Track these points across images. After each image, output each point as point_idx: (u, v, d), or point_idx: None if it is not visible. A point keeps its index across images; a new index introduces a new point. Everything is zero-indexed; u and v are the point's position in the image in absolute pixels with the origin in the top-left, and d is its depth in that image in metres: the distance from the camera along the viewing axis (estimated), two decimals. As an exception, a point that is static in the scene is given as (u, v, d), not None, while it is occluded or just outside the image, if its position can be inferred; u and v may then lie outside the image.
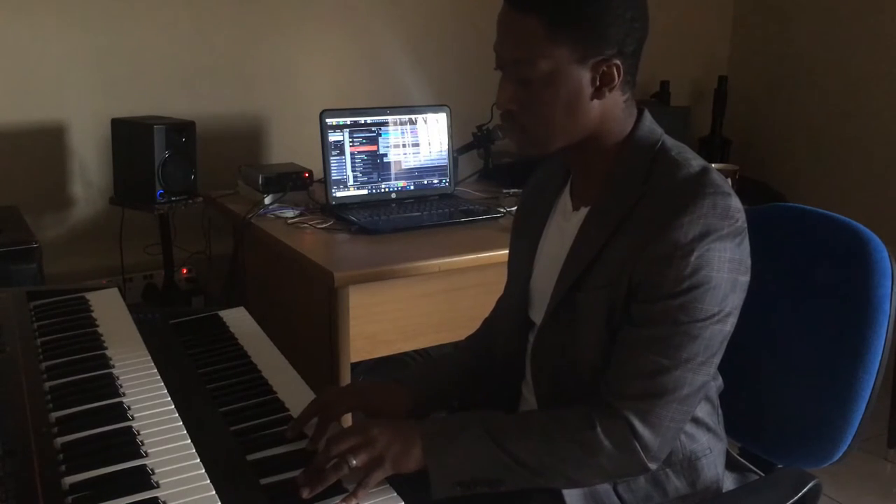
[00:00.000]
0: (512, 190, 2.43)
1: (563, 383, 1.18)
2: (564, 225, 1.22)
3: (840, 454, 1.24)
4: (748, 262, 1.10)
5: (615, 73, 1.08)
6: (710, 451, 1.21)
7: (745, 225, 1.09)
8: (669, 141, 1.16)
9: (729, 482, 1.26)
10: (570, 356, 1.16)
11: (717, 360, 1.09)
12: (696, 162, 1.12)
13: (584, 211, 1.18)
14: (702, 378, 1.07)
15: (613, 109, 1.12)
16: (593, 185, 1.17)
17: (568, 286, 1.14)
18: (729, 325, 1.08)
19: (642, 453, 1.05)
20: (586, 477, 1.09)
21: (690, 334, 1.05)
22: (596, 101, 1.10)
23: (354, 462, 1.02)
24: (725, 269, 1.05)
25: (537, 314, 1.23)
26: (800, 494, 1.18)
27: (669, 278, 1.04)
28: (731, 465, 1.28)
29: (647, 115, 1.17)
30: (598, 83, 1.09)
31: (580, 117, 1.11)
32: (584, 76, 1.08)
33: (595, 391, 1.11)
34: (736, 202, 1.08)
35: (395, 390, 1.27)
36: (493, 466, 1.06)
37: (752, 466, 1.32)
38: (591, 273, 1.12)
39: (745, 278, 1.09)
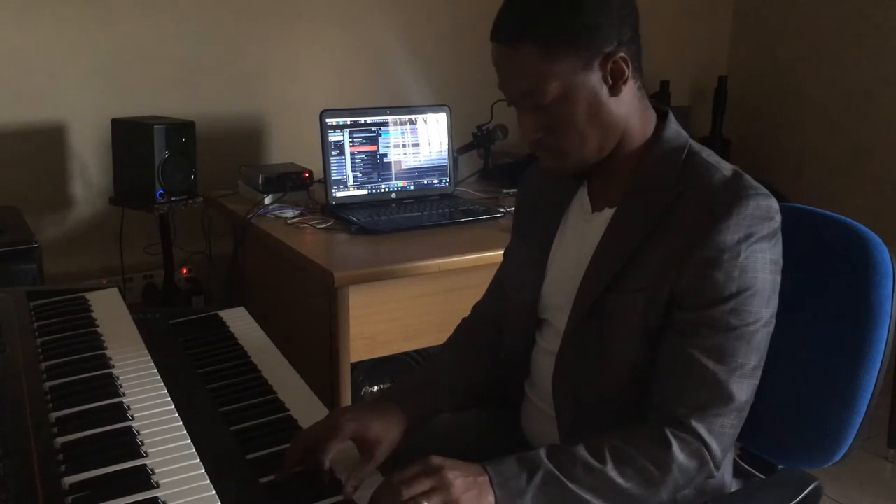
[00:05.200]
0: (512, 190, 2.42)
1: (588, 387, 1.16)
2: (584, 227, 1.20)
3: (840, 455, 1.23)
4: (781, 261, 1.10)
5: (623, 65, 1.08)
6: None
7: (780, 225, 1.09)
8: (696, 144, 1.16)
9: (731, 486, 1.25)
10: (599, 359, 1.14)
11: (762, 363, 1.08)
12: (726, 164, 1.12)
13: (608, 212, 1.16)
14: (754, 382, 1.07)
15: (632, 101, 1.12)
16: (617, 186, 1.16)
17: (601, 287, 1.12)
18: (772, 327, 1.08)
19: (711, 463, 1.05)
20: (660, 495, 1.05)
21: (744, 339, 1.05)
22: (614, 99, 1.09)
23: None
24: (768, 270, 1.06)
25: (557, 316, 1.20)
26: (801, 496, 1.18)
27: (718, 282, 1.04)
28: (732, 469, 1.27)
29: (672, 117, 1.17)
30: (609, 81, 1.08)
31: (606, 120, 1.10)
32: (595, 79, 1.07)
33: (629, 397, 1.10)
34: (774, 203, 1.08)
35: (391, 412, 1.19)
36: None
37: (752, 469, 1.32)
38: (626, 275, 1.10)
39: (780, 278, 1.09)
